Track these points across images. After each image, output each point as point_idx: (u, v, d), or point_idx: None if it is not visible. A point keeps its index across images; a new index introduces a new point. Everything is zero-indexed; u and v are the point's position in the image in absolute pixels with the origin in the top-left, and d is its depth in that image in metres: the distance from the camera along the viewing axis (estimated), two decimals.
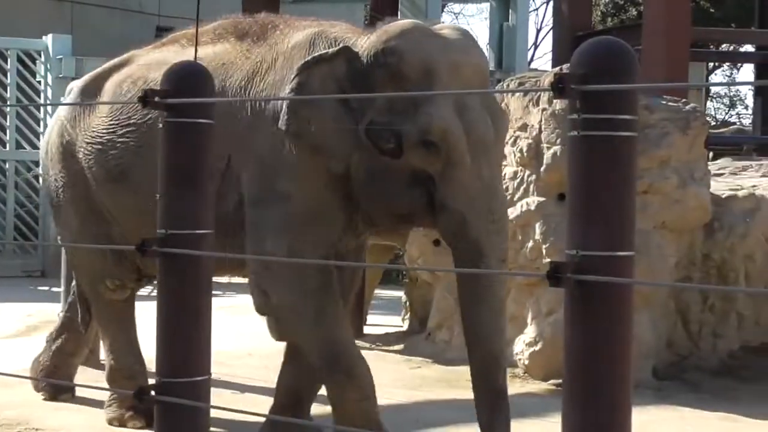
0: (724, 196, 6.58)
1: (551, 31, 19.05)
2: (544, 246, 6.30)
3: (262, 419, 4.65)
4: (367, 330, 7.89)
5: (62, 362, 5.47)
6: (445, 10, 27.57)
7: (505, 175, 6.24)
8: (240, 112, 4.43)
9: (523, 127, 6.53)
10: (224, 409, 3.02)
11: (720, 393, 6.09)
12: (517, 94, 6.49)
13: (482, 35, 22.70)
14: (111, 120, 4.81)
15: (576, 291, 1.94)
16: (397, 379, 6.31)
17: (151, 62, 4.86)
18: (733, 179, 7.23)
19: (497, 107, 4.22)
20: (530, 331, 6.40)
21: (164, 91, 2.47)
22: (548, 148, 6.35)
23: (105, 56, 5.55)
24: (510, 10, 18.47)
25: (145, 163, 4.55)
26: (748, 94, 24.97)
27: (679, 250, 6.34)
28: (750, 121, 21.76)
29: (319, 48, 4.30)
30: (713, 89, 28.61)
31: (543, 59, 32.90)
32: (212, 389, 2.57)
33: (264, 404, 5.03)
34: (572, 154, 2.01)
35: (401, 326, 7.84)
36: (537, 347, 6.31)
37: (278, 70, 4.36)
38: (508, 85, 7.16)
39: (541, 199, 6.39)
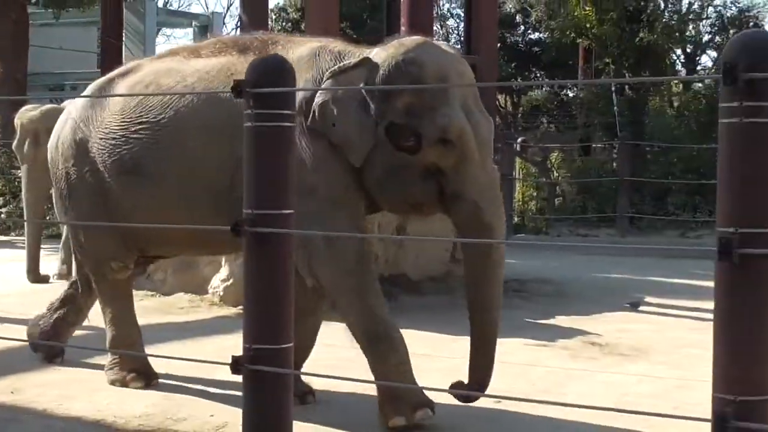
0: None
1: None
2: None
3: None
4: None
5: (62, 330, 5.58)
6: (159, 33, 29.00)
7: None
8: (237, 114, 4.36)
9: None
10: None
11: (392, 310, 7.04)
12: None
13: None
14: (124, 118, 4.83)
15: (251, 240, 2.37)
16: None
17: (159, 70, 4.90)
18: None
19: (485, 111, 4.36)
20: (224, 270, 7.75)
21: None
22: None
23: None
24: (208, 34, 22.58)
25: (155, 157, 4.66)
26: None
27: None
28: None
29: (323, 60, 4.42)
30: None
31: None
32: None
33: None
34: (247, 140, 2.50)
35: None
36: (229, 282, 7.67)
37: None
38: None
39: None
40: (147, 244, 5.04)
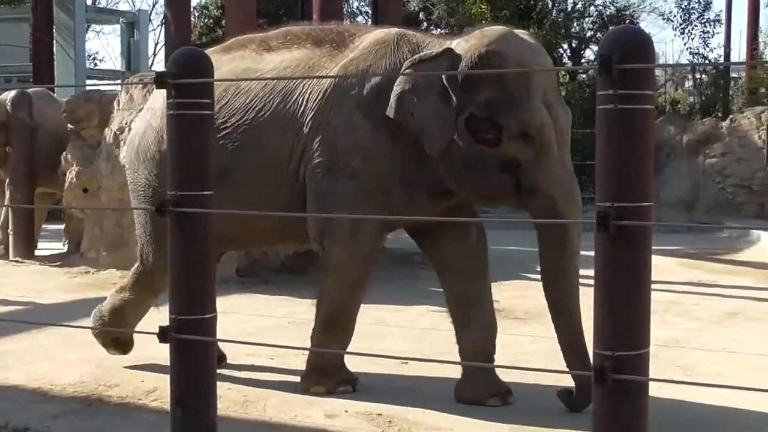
0: None
1: (165, 45, 20.32)
2: None
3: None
4: (37, 253, 9.45)
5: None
6: (89, 29, 28.74)
7: None
8: (311, 100, 4.19)
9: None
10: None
11: (282, 284, 7.30)
12: (139, 87, 7.88)
13: (116, 47, 27.49)
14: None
15: (175, 219, 2.39)
16: (59, 285, 7.71)
17: (235, 72, 4.44)
18: None
19: (564, 103, 4.10)
20: None
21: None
22: None
23: None
24: (135, 30, 23.43)
25: (243, 160, 4.29)
26: None
27: None
28: None
29: (403, 49, 4.14)
30: None
31: (162, 63, 34.54)
32: None
33: None
34: (170, 128, 2.47)
35: (63, 249, 9.47)
36: None
37: (363, 69, 4.14)
38: (132, 80, 8.74)
39: None
40: (235, 243, 4.66)
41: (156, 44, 35.49)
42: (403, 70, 3.99)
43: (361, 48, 4.24)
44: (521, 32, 4.10)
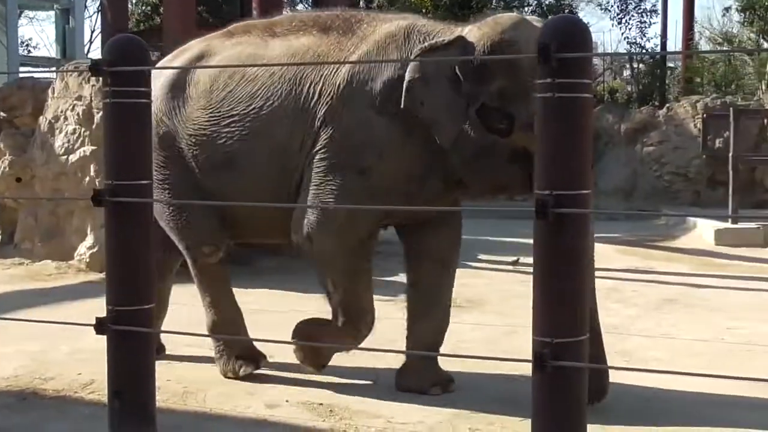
0: None
1: (101, 32, 20.05)
2: (96, 180, 7.64)
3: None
4: None
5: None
6: (21, 15, 27.93)
7: (67, 131, 7.90)
8: (324, 93, 4.04)
9: (79, 98, 7.86)
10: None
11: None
12: (74, 74, 7.81)
13: (51, 34, 26.65)
14: (213, 112, 4.26)
15: (111, 209, 2.38)
16: None
17: (240, 57, 4.31)
18: None
19: None
20: (90, 238, 7.74)
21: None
22: (98, 112, 7.68)
23: None
24: (70, 17, 23.25)
25: (246, 150, 4.15)
26: None
27: None
28: None
29: (414, 39, 3.99)
30: None
31: (98, 51, 33.94)
32: None
33: None
34: (105, 116, 2.45)
35: None
36: (95, 249, 7.63)
37: (374, 59, 3.99)
38: (67, 68, 8.70)
39: (94, 147, 7.72)
40: (239, 230, 4.48)
41: (93, 31, 34.80)
42: (413, 57, 3.88)
43: (371, 42, 4.09)
44: (533, 19, 3.99)
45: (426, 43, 3.90)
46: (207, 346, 4.84)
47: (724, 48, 17.82)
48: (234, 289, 4.65)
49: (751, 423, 3.79)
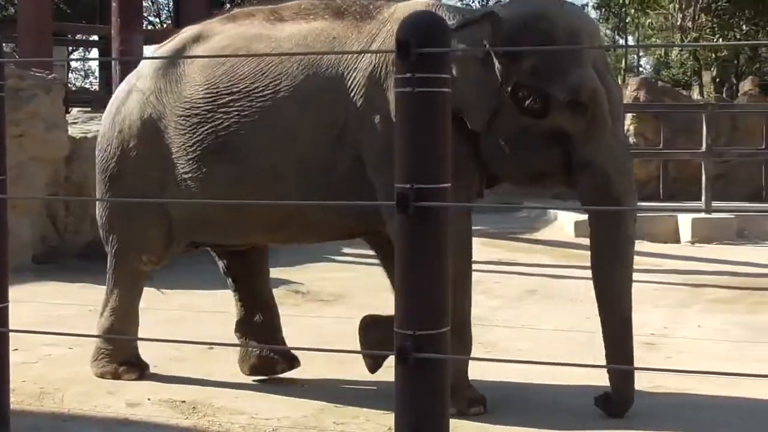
0: (78, 137, 7.83)
1: None
2: None
3: None
4: None
5: (273, 336, 4.50)
6: None
7: None
8: (356, 79, 3.77)
9: None
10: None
11: (83, 271, 6.89)
12: None
13: None
14: (209, 89, 3.94)
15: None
16: None
17: (245, 35, 4.02)
18: (83, 125, 8.45)
19: (614, 75, 3.80)
20: None
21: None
22: None
23: None
24: None
25: (244, 131, 3.85)
26: (96, 69, 26.98)
27: (47, 175, 7.57)
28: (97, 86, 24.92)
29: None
30: (73, 64, 30.22)
31: None
32: None
33: None
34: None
35: None
36: None
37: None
38: None
39: None
40: (212, 234, 4.14)
41: None
42: None
43: (395, 22, 3.73)
44: None
45: (456, 21, 3.66)
46: (65, 345, 4.72)
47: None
48: (89, 286, 4.55)
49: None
